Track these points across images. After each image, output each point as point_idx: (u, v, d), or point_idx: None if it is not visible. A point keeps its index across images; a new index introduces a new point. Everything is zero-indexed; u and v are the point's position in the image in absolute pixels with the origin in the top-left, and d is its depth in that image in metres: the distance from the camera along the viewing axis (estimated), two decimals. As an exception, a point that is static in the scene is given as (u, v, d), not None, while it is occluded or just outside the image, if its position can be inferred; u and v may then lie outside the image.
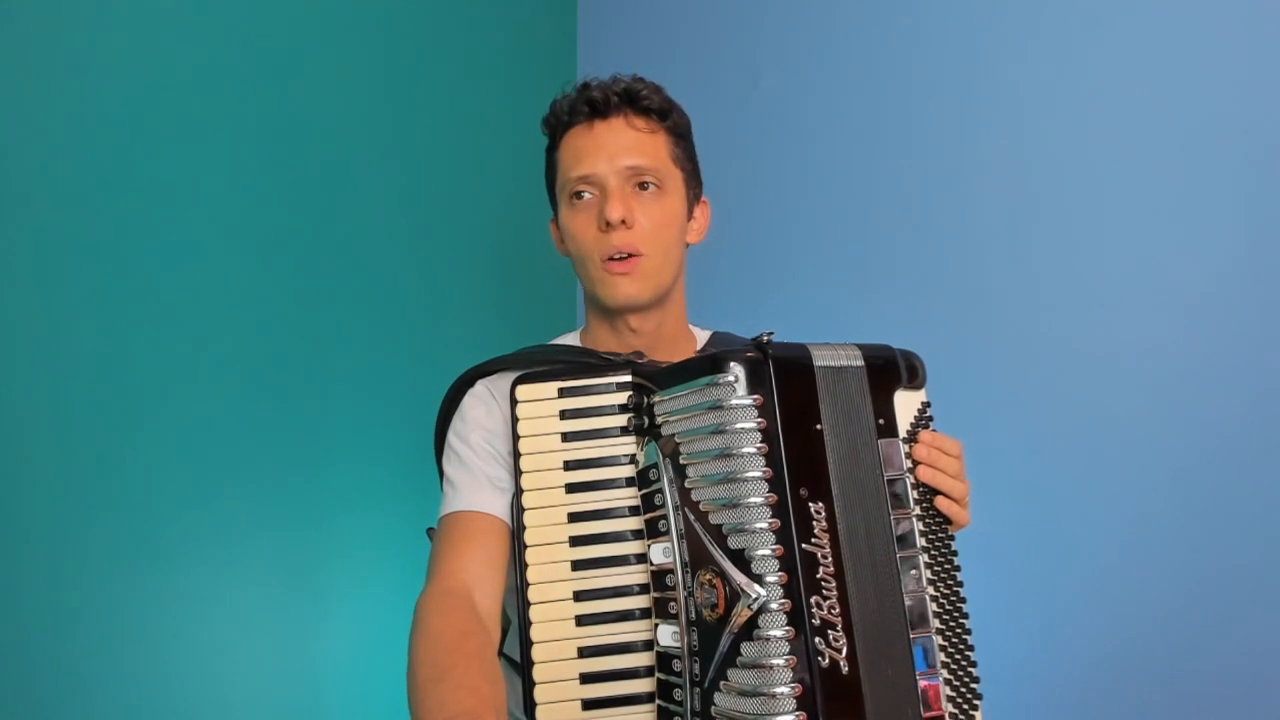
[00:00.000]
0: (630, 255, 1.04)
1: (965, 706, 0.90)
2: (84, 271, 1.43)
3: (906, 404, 0.95)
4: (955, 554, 0.94)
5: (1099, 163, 1.57)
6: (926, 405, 0.96)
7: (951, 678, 0.90)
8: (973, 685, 0.91)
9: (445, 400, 1.11)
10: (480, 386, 1.09)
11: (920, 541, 0.91)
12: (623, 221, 1.03)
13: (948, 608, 0.91)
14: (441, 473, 1.08)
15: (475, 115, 2.09)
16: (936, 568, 0.92)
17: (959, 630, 0.92)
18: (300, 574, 1.70)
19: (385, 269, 1.88)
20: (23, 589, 1.35)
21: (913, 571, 0.89)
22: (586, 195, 1.06)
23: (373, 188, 1.87)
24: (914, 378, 0.95)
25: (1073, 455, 1.58)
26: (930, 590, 0.90)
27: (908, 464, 0.92)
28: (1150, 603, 1.50)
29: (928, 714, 0.87)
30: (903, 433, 0.93)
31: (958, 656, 0.91)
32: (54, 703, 1.37)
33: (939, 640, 0.89)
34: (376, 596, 1.80)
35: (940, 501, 0.93)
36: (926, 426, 0.95)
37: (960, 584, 0.93)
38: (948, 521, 0.94)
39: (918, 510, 0.92)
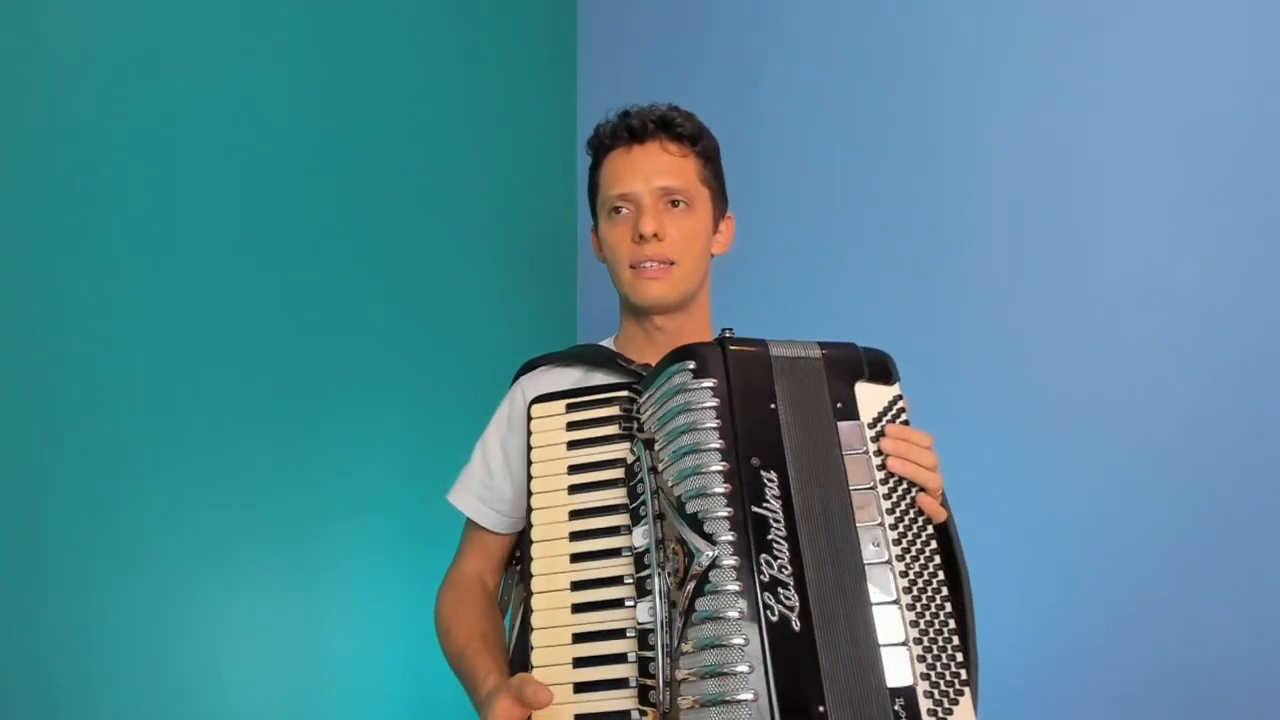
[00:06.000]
0: (663, 263, 1.19)
1: (948, 689, 0.88)
2: (83, 281, 1.47)
3: (872, 395, 0.99)
4: (932, 537, 0.95)
5: (1100, 162, 1.58)
6: (898, 398, 1.00)
7: (926, 654, 0.89)
8: (958, 671, 0.89)
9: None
10: (521, 382, 1.27)
11: (888, 519, 0.94)
12: (655, 235, 1.18)
13: (922, 584, 0.91)
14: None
15: (475, 116, 2.09)
16: (907, 543, 0.93)
17: (940, 614, 0.91)
18: (300, 582, 1.72)
19: (384, 276, 1.92)
20: (28, 593, 1.40)
21: (874, 545, 0.92)
22: (624, 211, 1.22)
23: (371, 193, 1.90)
24: (879, 373, 1.00)
25: (1073, 454, 1.56)
26: (900, 566, 0.92)
27: (872, 446, 0.96)
28: (1148, 601, 1.47)
29: (894, 684, 0.86)
30: (867, 419, 0.98)
31: (936, 637, 0.90)
32: (58, 705, 1.41)
33: (910, 615, 0.90)
34: (375, 604, 1.82)
35: (921, 498, 0.96)
36: (897, 419, 0.99)
37: (940, 566, 0.93)
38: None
39: (884, 490, 0.95)
